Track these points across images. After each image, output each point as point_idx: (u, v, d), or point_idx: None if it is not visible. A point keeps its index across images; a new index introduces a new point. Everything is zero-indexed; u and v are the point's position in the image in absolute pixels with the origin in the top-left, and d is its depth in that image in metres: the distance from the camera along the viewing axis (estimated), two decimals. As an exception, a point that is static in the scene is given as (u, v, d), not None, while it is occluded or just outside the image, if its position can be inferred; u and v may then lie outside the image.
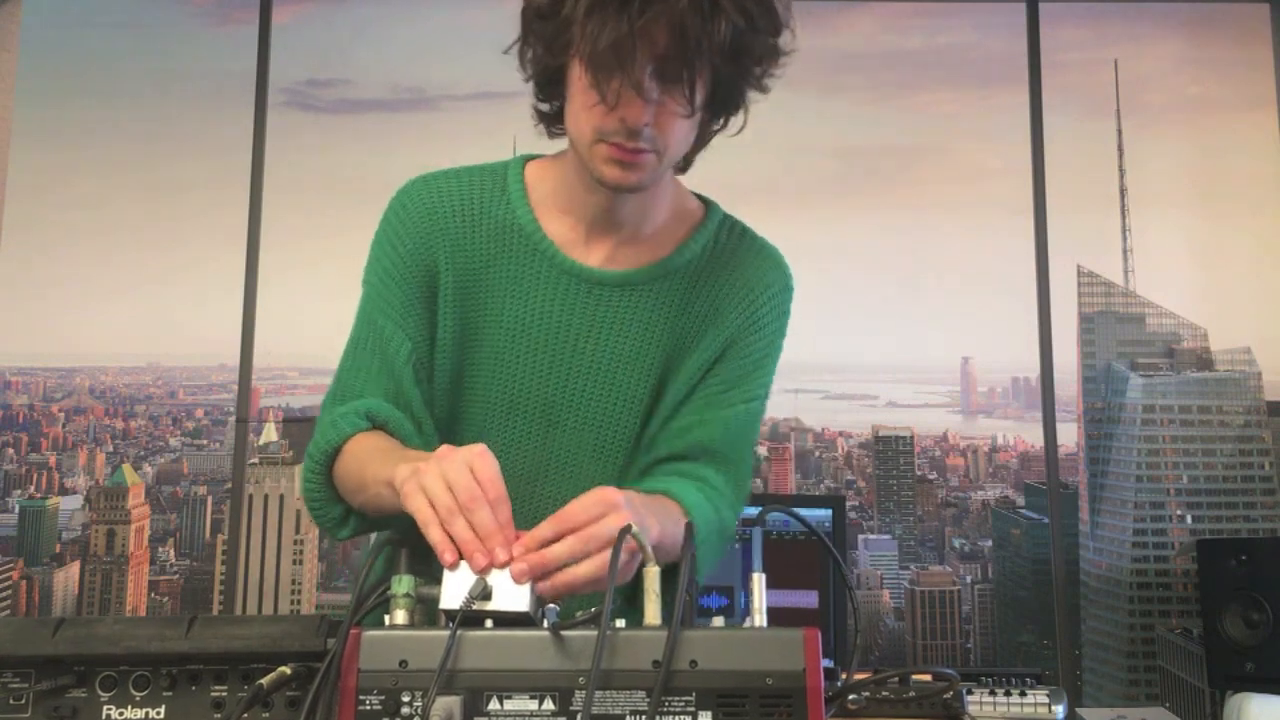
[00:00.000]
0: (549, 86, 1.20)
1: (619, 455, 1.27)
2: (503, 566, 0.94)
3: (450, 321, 1.25)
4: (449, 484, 0.96)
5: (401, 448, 1.18)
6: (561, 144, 1.24)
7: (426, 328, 1.26)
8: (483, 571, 0.94)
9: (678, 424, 1.26)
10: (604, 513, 0.98)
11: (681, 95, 1.08)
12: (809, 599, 2.83)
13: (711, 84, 1.11)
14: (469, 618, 0.91)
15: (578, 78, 1.10)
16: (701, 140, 1.22)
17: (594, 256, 1.25)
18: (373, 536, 1.35)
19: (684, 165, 1.27)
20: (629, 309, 1.24)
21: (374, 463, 1.12)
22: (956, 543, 3.85)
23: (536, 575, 0.95)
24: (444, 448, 1.02)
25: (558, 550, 0.96)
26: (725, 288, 1.28)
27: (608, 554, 0.94)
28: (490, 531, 0.95)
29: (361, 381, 1.25)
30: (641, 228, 1.26)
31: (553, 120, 1.23)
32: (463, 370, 1.26)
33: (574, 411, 1.25)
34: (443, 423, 1.27)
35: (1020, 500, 3.86)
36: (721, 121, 1.21)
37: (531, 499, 1.26)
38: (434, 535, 0.95)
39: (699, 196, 1.33)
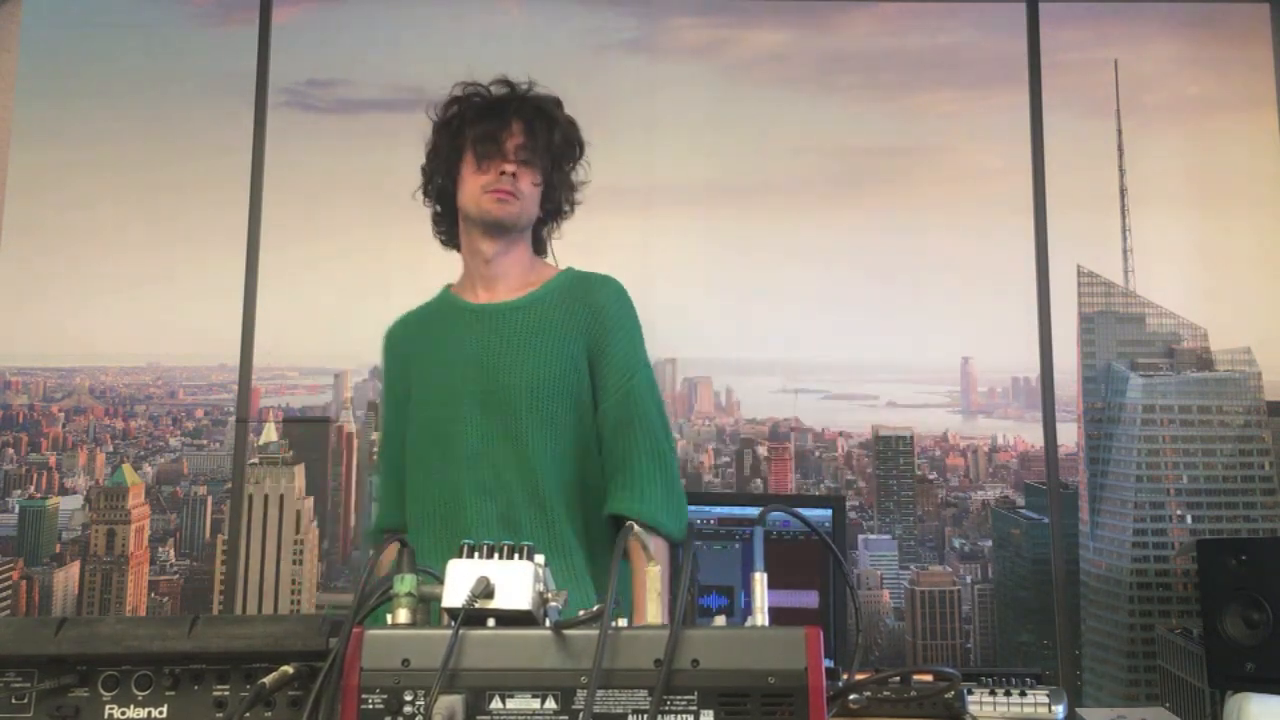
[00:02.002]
0: (444, 206, 1.86)
1: (533, 424, 1.75)
2: None
3: (413, 376, 1.84)
4: None
5: None
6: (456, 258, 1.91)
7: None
8: None
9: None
10: None
11: (533, 166, 1.78)
12: (809, 599, 2.83)
13: (545, 182, 1.81)
14: (471, 616, 0.91)
15: (469, 167, 1.78)
16: (544, 229, 1.89)
17: (484, 298, 1.84)
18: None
19: (540, 247, 1.91)
20: (505, 325, 1.79)
21: None
22: (956, 543, 3.86)
23: None
24: None
25: None
26: (579, 304, 1.80)
27: None
28: None
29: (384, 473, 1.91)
30: (510, 280, 1.83)
31: (448, 240, 1.89)
32: (413, 394, 1.84)
33: (496, 395, 1.75)
34: (421, 416, 1.81)
35: (1020, 500, 3.86)
36: (552, 223, 1.89)
37: (482, 467, 1.72)
38: None
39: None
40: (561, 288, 1.82)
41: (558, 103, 1.85)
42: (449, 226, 1.88)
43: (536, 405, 1.73)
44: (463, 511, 1.71)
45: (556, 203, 1.86)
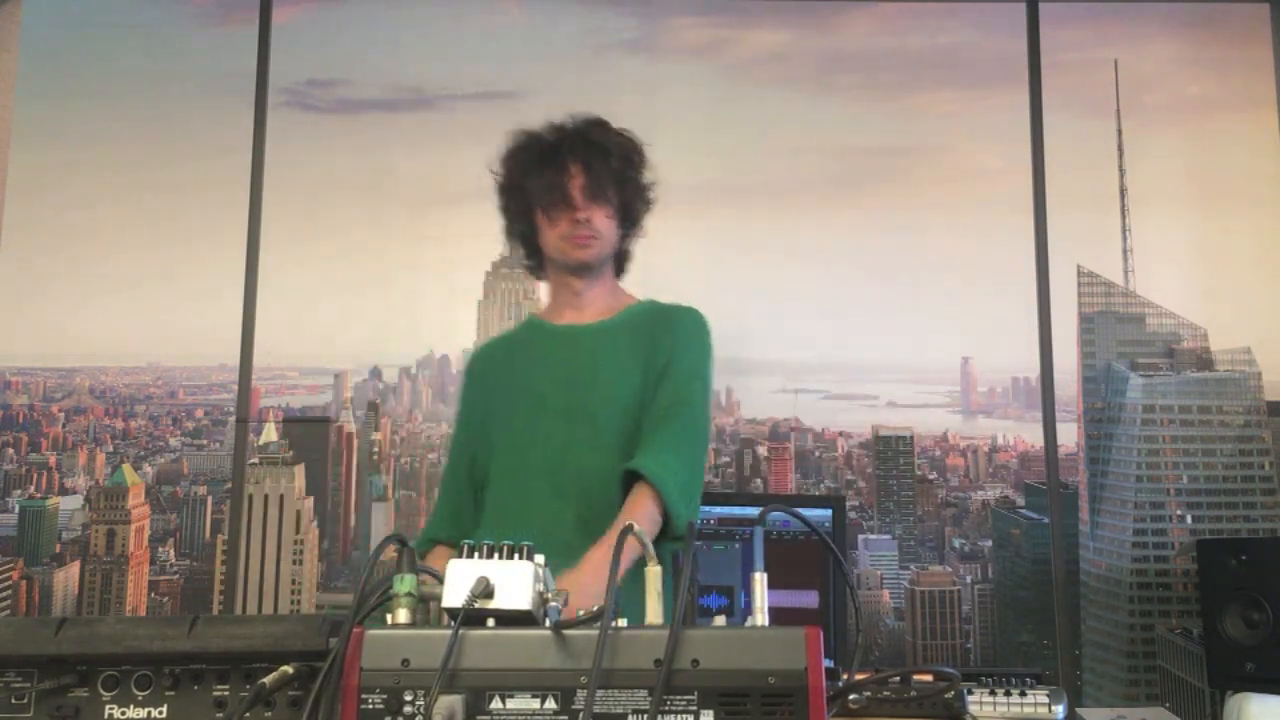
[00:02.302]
0: (528, 248, 1.94)
1: (611, 434, 1.80)
2: None
3: (496, 396, 1.92)
4: None
5: None
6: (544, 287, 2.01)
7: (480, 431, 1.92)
8: None
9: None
10: None
11: (601, 202, 1.84)
12: (809, 599, 2.83)
13: (618, 205, 1.87)
14: (471, 616, 0.91)
15: (543, 219, 1.85)
16: (626, 244, 1.96)
17: (570, 319, 1.93)
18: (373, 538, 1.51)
19: (620, 267, 1.99)
20: (590, 343, 1.88)
21: None
22: (956, 543, 3.86)
23: None
24: None
25: None
26: (660, 327, 1.88)
27: None
28: None
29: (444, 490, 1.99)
30: (598, 304, 1.93)
31: (537, 272, 1.99)
32: (496, 412, 1.91)
33: (579, 407, 1.82)
34: (498, 428, 1.89)
35: (1020, 500, 3.86)
36: (633, 233, 1.94)
37: (561, 472, 1.78)
38: None
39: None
40: (645, 311, 1.92)
41: (605, 125, 1.90)
42: (537, 264, 1.98)
43: (615, 416, 1.80)
44: (539, 514, 1.76)
45: (633, 216, 1.93)
